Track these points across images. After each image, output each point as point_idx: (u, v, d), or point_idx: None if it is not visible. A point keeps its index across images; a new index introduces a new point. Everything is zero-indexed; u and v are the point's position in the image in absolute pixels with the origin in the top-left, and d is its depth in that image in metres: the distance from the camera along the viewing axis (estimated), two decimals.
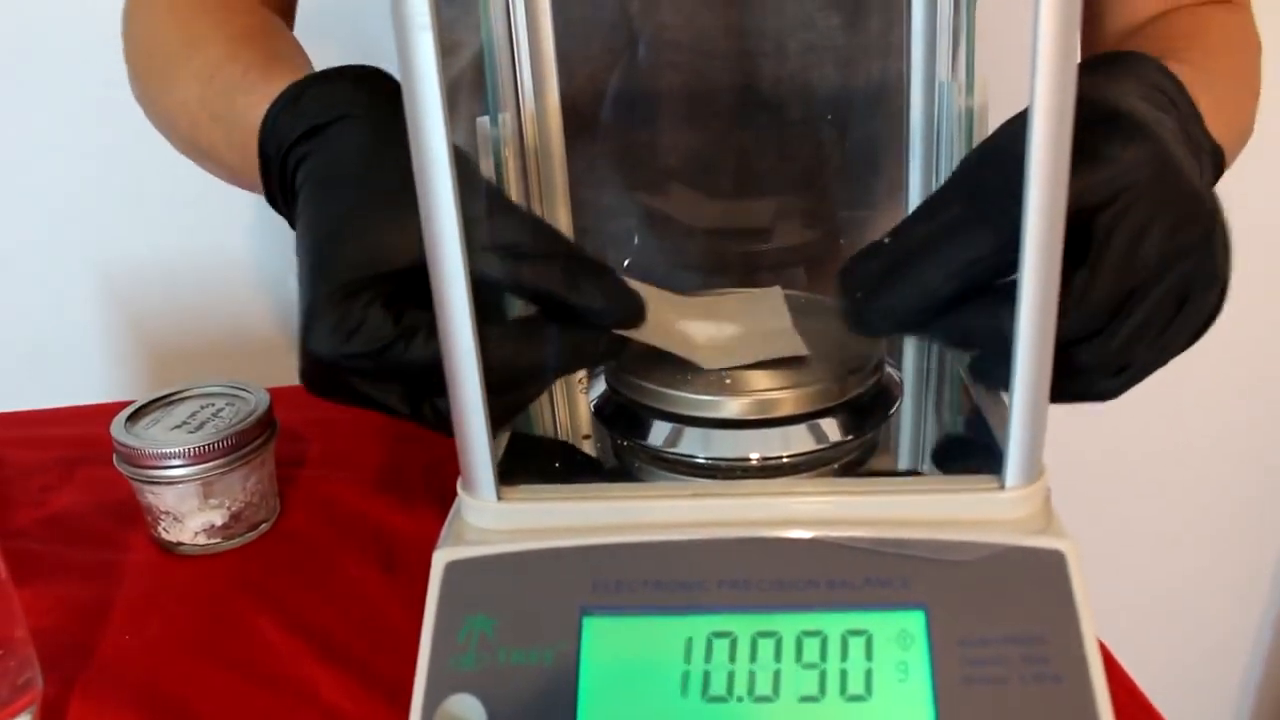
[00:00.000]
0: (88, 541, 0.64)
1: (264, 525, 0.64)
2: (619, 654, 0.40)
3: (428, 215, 0.38)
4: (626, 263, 0.70)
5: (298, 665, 0.52)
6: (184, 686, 0.52)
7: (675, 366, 0.47)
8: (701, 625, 0.40)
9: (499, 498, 0.42)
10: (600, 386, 0.50)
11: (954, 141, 0.53)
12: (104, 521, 0.66)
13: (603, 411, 0.49)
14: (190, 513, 0.61)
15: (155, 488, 0.60)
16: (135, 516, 0.65)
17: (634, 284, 0.46)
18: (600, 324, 0.44)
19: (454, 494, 0.60)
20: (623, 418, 0.48)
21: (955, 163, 0.51)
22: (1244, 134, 0.63)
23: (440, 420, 0.44)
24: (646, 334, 0.46)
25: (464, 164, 0.39)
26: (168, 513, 0.61)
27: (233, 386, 0.64)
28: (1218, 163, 0.49)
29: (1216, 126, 0.49)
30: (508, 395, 0.44)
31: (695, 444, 0.46)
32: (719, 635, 0.40)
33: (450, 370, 0.40)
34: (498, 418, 0.42)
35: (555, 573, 0.41)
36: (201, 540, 0.62)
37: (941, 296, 0.42)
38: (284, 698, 0.51)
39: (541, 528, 0.42)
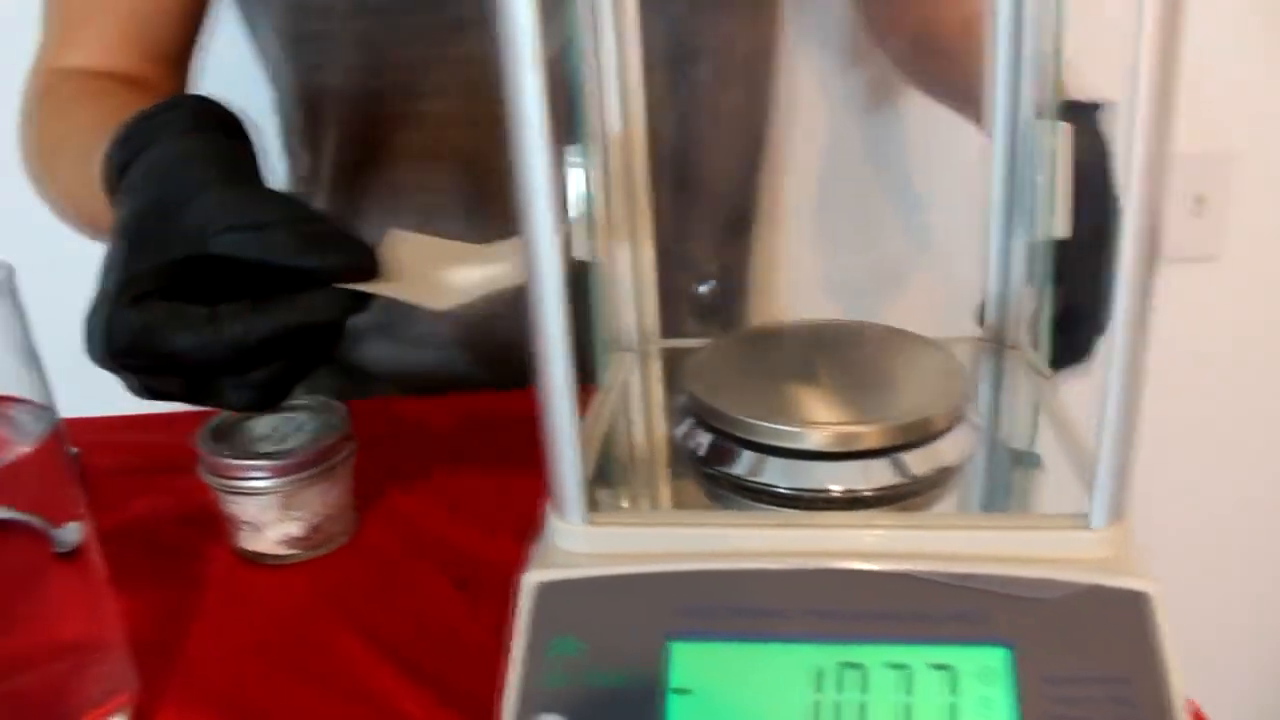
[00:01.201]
0: (168, 548, 0.66)
1: (341, 539, 0.65)
2: (705, 680, 0.40)
3: (531, 254, 0.39)
4: None
5: (378, 679, 0.53)
6: (267, 696, 0.53)
7: (760, 396, 0.48)
8: (787, 654, 0.40)
9: (588, 522, 0.43)
10: (684, 415, 0.51)
11: (1043, 176, 0.53)
12: (184, 529, 0.67)
13: (686, 439, 0.50)
14: (270, 523, 0.62)
15: (237, 498, 0.61)
16: (215, 525, 0.66)
17: (407, 236, 0.50)
18: (330, 279, 0.47)
19: (529, 515, 0.61)
20: (706, 446, 0.48)
21: (1038, 193, 0.52)
22: None
23: (228, 401, 0.49)
24: (384, 286, 0.48)
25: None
26: (248, 522, 0.62)
27: (315, 401, 0.66)
28: None
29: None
30: (262, 370, 0.48)
31: (779, 474, 0.46)
32: (805, 665, 0.40)
33: (543, 398, 0.41)
34: (265, 397, 0.49)
35: (643, 597, 0.41)
36: (281, 551, 0.63)
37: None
38: (366, 711, 0.51)
39: (629, 552, 0.43)
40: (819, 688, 0.40)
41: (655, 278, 0.61)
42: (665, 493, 0.50)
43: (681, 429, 0.50)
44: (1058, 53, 0.54)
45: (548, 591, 0.42)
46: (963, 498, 0.48)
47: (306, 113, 0.85)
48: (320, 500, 0.63)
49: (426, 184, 0.84)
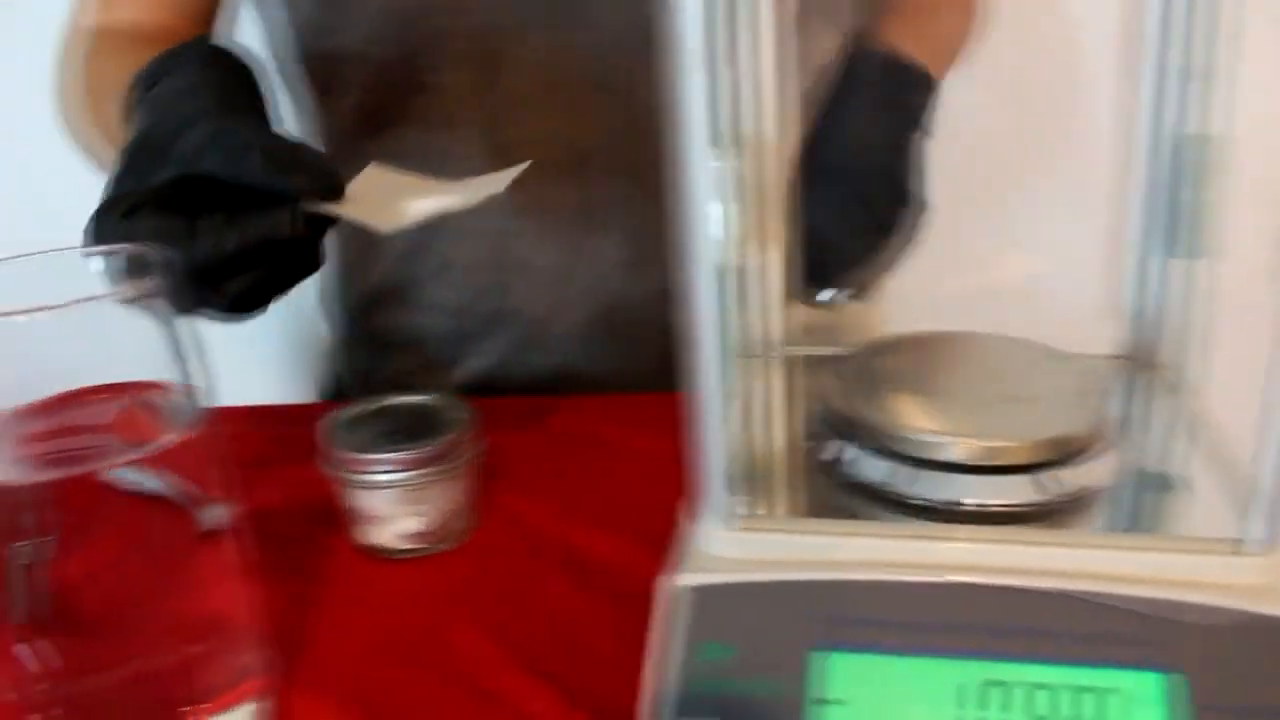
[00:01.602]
0: (288, 540, 0.66)
1: (461, 537, 0.65)
2: (853, 690, 0.40)
3: (688, 257, 0.39)
4: None
5: (504, 678, 0.53)
6: (393, 691, 0.53)
7: (903, 407, 0.47)
8: (933, 669, 0.40)
9: (736, 528, 0.43)
10: (823, 423, 0.50)
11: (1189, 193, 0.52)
12: (303, 522, 0.67)
13: (825, 447, 0.49)
14: (393, 518, 0.62)
15: (362, 490, 0.62)
16: (334, 518, 0.66)
17: (384, 170, 0.56)
18: (296, 199, 0.52)
19: (649, 518, 0.61)
20: (847, 455, 0.48)
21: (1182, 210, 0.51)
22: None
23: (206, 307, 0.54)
24: (341, 207, 0.53)
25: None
26: (372, 516, 0.63)
27: (440, 399, 0.66)
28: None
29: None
30: (236, 281, 0.53)
31: (925, 486, 0.46)
32: (949, 681, 0.40)
33: (694, 403, 0.41)
34: (239, 305, 0.54)
35: (792, 605, 0.41)
36: (402, 545, 0.63)
37: None
38: (493, 711, 0.51)
39: (777, 559, 0.43)
40: (962, 704, 0.40)
41: (784, 284, 0.61)
42: (800, 500, 0.49)
43: (820, 437, 0.50)
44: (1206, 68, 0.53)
45: (696, 596, 0.42)
46: (1108, 517, 0.47)
47: (319, 80, 0.87)
48: (444, 497, 0.63)
49: (440, 153, 0.84)
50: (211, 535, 0.46)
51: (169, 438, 0.44)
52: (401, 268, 0.90)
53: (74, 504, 0.43)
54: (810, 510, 0.49)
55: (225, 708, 0.49)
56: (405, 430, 0.63)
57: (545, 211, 0.85)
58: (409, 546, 0.63)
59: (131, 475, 0.43)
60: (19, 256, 0.45)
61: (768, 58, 0.58)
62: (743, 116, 0.58)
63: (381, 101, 0.84)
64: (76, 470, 0.42)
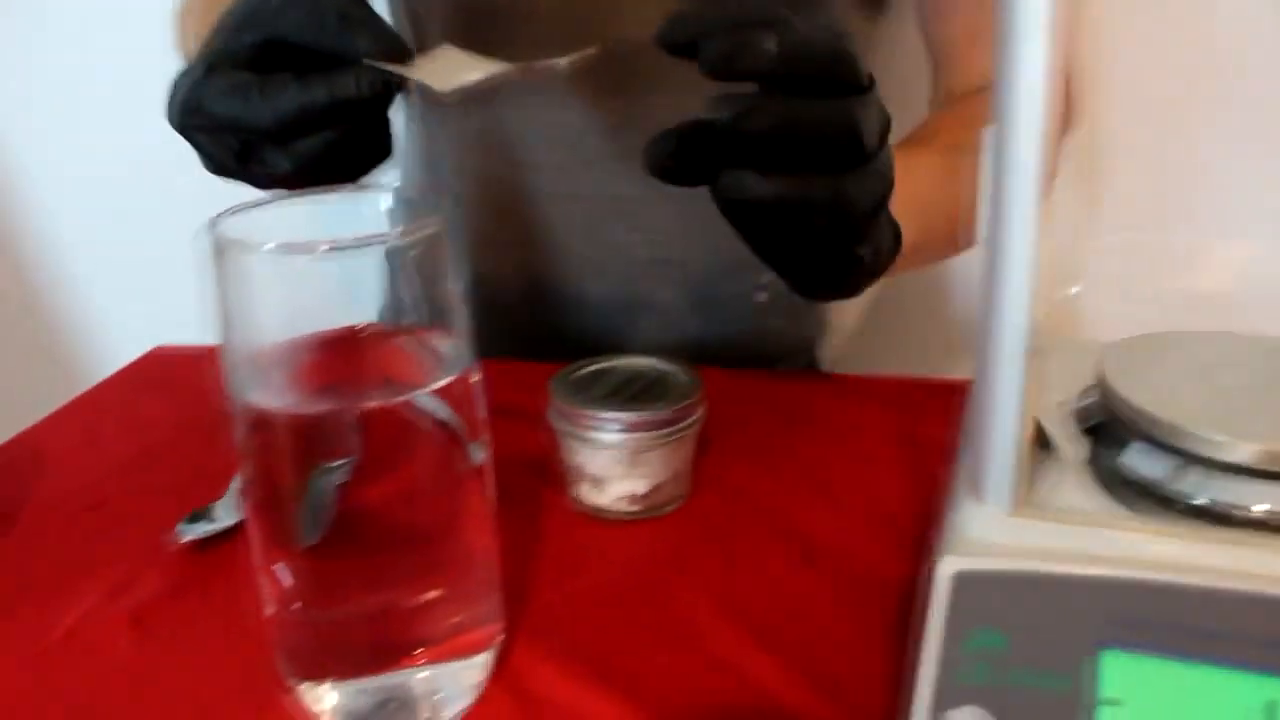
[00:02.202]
0: (508, 496, 0.66)
1: (677, 502, 0.65)
2: (1137, 694, 0.38)
3: (1003, 232, 0.37)
4: None
5: (731, 647, 0.53)
6: (621, 654, 0.53)
7: (1190, 405, 0.45)
8: (1231, 681, 0.38)
9: (1013, 513, 0.41)
10: (1094, 416, 0.48)
11: None
12: (523, 477, 0.67)
13: (1096, 441, 0.47)
14: (615, 479, 0.62)
15: (587, 449, 0.62)
16: (553, 476, 0.66)
17: (457, 50, 0.54)
18: (362, 59, 0.52)
19: (875, 497, 0.59)
20: (1131, 451, 0.46)
21: None
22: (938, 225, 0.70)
23: (272, 165, 0.55)
24: (404, 68, 0.52)
25: None
26: (593, 475, 0.62)
27: (665, 363, 0.65)
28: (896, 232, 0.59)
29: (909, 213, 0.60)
30: (304, 141, 0.54)
31: (1218, 488, 0.43)
32: (1250, 695, 0.37)
33: (987, 380, 0.39)
34: (304, 166, 0.54)
35: (1072, 599, 0.39)
36: (620, 507, 0.63)
37: None
38: (724, 681, 0.51)
39: (1052, 549, 0.41)
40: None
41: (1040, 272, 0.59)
42: (1065, 491, 0.47)
43: (1089, 431, 0.48)
44: None
45: (966, 581, 0.40)
46: None
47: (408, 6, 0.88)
48: (666, 461, 0.62)
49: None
50: (475, 473, 0.46)
51: (444, 378, 0.44)
52: None
53: (374, 431, 0.43)
54: (1076, 502, 0.47)
55: (459, 654, 0.48)
56: (631, 392, 0.63)
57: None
58: (626, 509, 0.63)
59: (428, 403, 0.43)
60: (307, 194, 0.45)
61: None
62: None
63: (468, 24, 0.85)
64: (386, 401, 0.43)
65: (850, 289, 0.59)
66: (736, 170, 0.48)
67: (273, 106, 0.52)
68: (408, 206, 0.47)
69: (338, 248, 0.40)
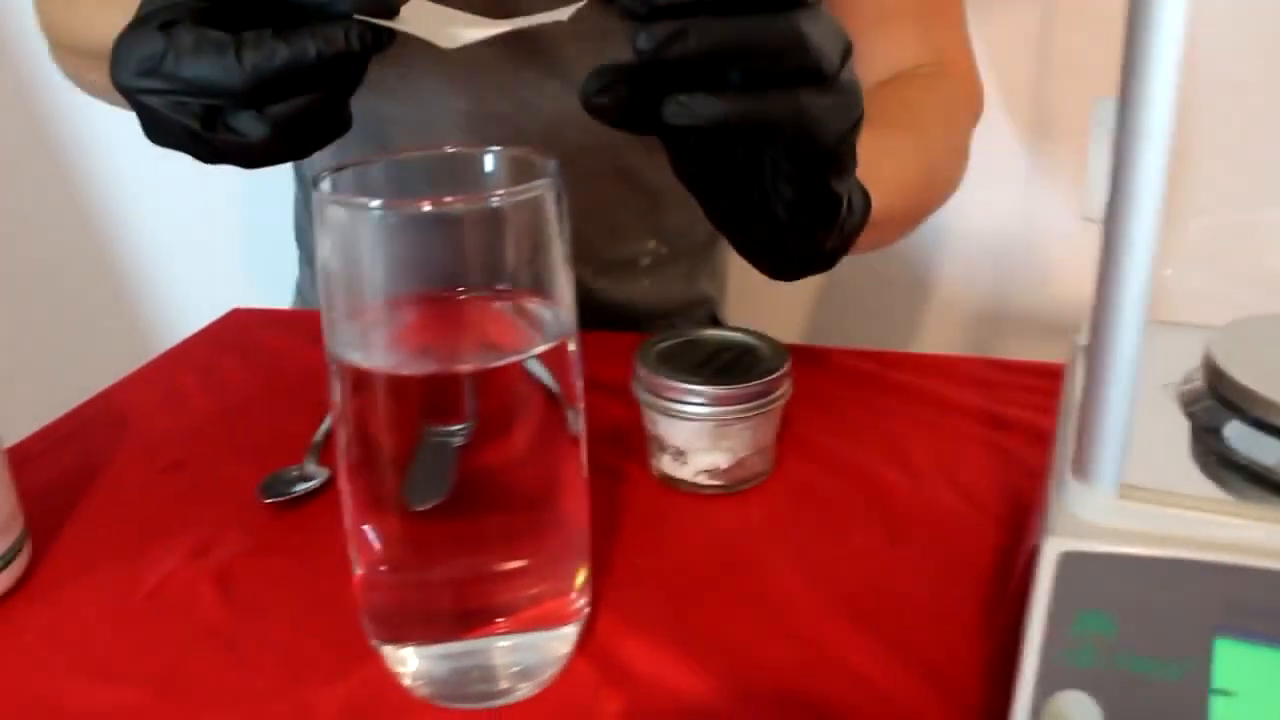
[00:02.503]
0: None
1: (760, 478, 0.64)
2: (1251, 685, 0.37)
3: (1125, 220, 0.36)
4: None
5: (821, 625, 0.52)
6: (708, 628, 0.52)
7: None
8: None
9: (1120, 495, 0.40)
10: (1204, 398, 0.47)
11: None
12: (601, 447, 0.67)
13: (1208, 422, 0.46)
14: (698, 451, 0.61)
15: (671, 421, 0.61)
16: (632, 446, 0.66)
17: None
18: (348, 14, 0.47)
19: (964, 474, 0.58)
20: (1246, 435, 0.44)
21: None
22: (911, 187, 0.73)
23: (245, 132, 0.49)
24: (399, 23, 0.48)
25: None
26: (676, 448, 0.62)
27: (753, 336, 0.65)
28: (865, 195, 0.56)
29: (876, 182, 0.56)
30: (282, 104, 0.48)
31: None
32: None
33: (1101, 357, 0.38)
34: (283, 133, 0.49)
35: (1184, 585, 0.38)
36: (702, 480, 0.62)
37: None
38: (813, 657, 0.50)
39: (1161, 533, 0.40)
40: None
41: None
42: (1174, 474, 0.46)
43: (1201, 413, 0.46)
44: None
45: (1073, 562, 0.39)
46: None
47: None
48: (750, 435, 0.62)
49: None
50: (573, 441, 0.46)
51: (546, 344, 0.43)
52: None
53: (486, 395, 0.43)
54: (1183, 486, 0.46)
55: (543, 625, 0.48)
56: (718, 364, 0.62)
57: None
58: (708, 483, 0.62)
59: (535, 368, 0.43)
60: (409, 152, 0.45)
61: None
62: None
63: None
64: (495, 363, 0.43)
65: (824, 258, 0.55)
66: (682, 94, 0.43)
67: (253, 65, 0.46)
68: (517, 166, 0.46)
69: (444, 206, 0.39)
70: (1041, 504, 0.44)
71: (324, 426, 0.70)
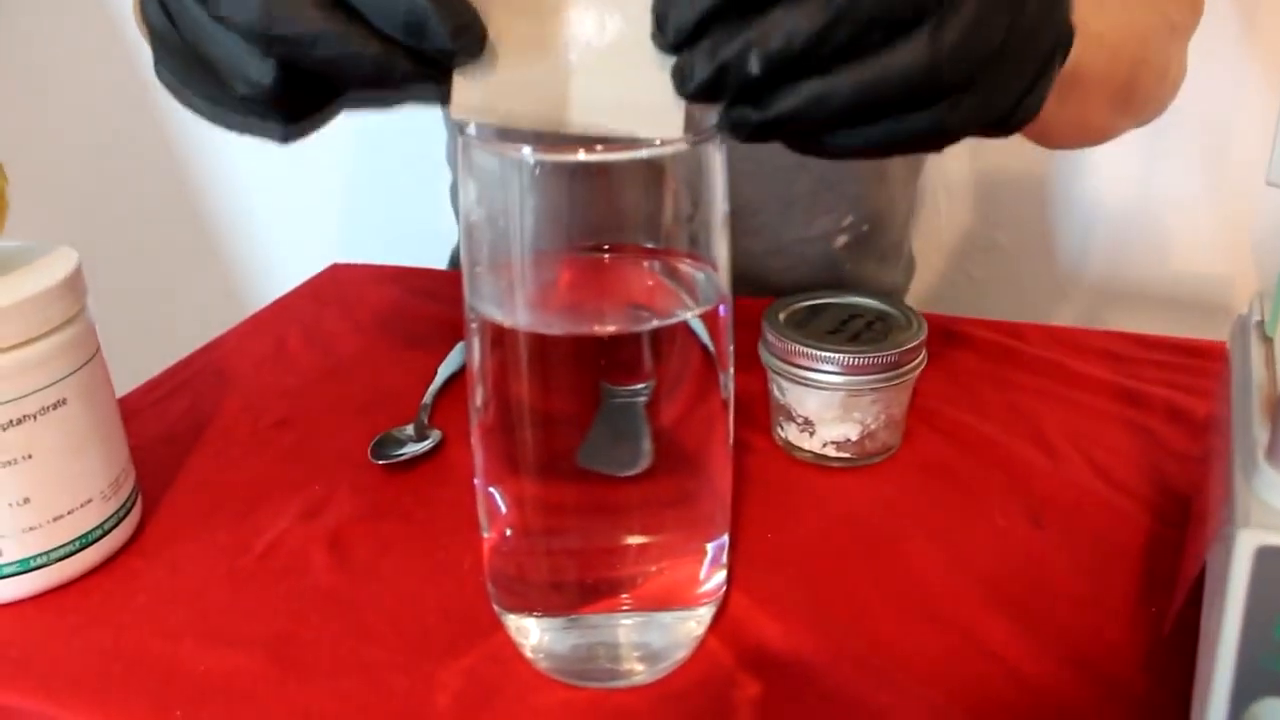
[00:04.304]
0: None
1: (889, 451, 0.61)
2: None
3: None
4: None
5: (965, 608, 0.49)
6: (842, 604, 0.50)
7: None
8: None
9: None
10: None
11: None
12: None
13: None
14: (827, 422, 0.59)
15: (800, 389, 0.58)
16: (754, 414, 0.63)
17: None
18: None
19: (1094, 451, 0.55)
20: None
21: None
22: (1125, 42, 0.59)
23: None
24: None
25: None
26: (804, 417, 0.59)
27: (885, 302, 0.62)
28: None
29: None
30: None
31: None
32: None
33: None
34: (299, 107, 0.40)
35: None
36: (829, 452, 0.60)
37: None
38: (956, 642, 0.47)
39: None
40: None
41: None
42: None
43: None
44: None
45: (1270, 558, 0.36)
46: None
47: None
48: (881, 407, 0.59)
49: None
50: (723, 407, 0.43)
51: (700, 307, 0.40)
52: None
53: (664, 353, 0.41)
54: None
55: (675, 604, 0.46)
56: (850, 331, 0.59)
57: None
58: (834, 455, 0.60)
59: (699, 329, 0.40)
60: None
61: None
62: None
63: None
64: (660, 323, 0.40)
65: (1037, 92, 0.41)
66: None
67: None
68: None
69: (601, 155, 0.36)
70: (1221, 493, 0.40)
71: (433, 386, 0.68)
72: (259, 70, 0.38)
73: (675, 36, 0.36)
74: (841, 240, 0.88)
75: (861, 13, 0.35)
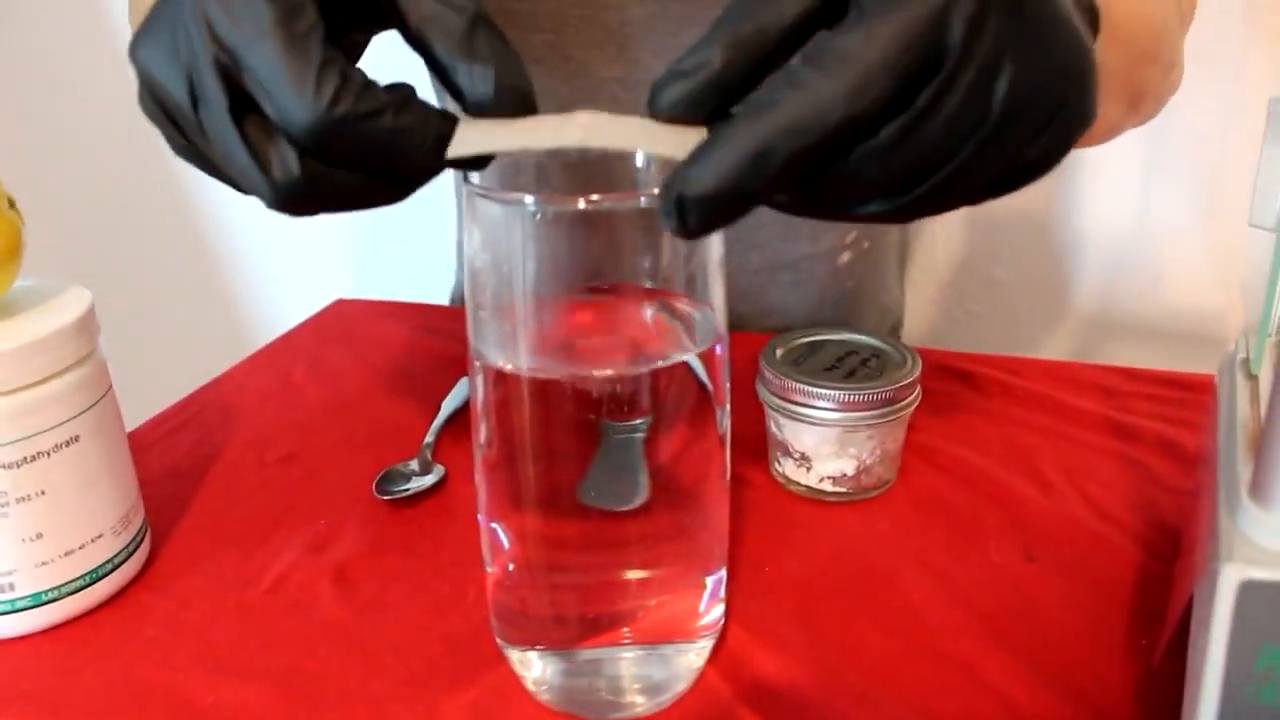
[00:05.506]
0: None
1: (885, 486, 0.62)
2: None
3: None
4: None
5: (961, 641, 0.50)
6: (842, 640, 0.50)
7: None
8: None
9: None
10: None
11: None
12: None
13: None
14: (823, 457, 0.60)
15: (796, 424, 0.59)
16: (750, 449, 0.64)
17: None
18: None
19: (1086, 485, 0.56)
20: None
21: None
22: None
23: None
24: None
25: None
26: (800, 453, 0.60)
27: (882, 342, 0.63)
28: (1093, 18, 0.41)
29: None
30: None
31: None
32: None
33: None
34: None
35: None
36: (825, 487, 0.61)
37: None
38: (954, 679, 0.48)
39: None
40: None
41: None
42: None
43: None
44: None
45: (1254, 592, 0.37)
46: None
47: None
48: (877, 442, 0.60)
49: None
50: (720, 443, 0.44)
51: (697, 348, 0.42)
52: None
53: (662, 390, 0.42)
54: None
55: (675, 638, 0.46)
56: (846, 368, 0.60)
57: None
58: (830, 489, 0.61)
59: (697, 365, 0.42)
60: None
61: None
62: None
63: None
64: (664, 363, 0.41)
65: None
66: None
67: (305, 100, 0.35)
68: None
69: (599, 203, 0.38)
70: (1207, 527, 0.41)
71: (436, 421, 0.69)
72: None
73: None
74: (845, 257, 0.89)
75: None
